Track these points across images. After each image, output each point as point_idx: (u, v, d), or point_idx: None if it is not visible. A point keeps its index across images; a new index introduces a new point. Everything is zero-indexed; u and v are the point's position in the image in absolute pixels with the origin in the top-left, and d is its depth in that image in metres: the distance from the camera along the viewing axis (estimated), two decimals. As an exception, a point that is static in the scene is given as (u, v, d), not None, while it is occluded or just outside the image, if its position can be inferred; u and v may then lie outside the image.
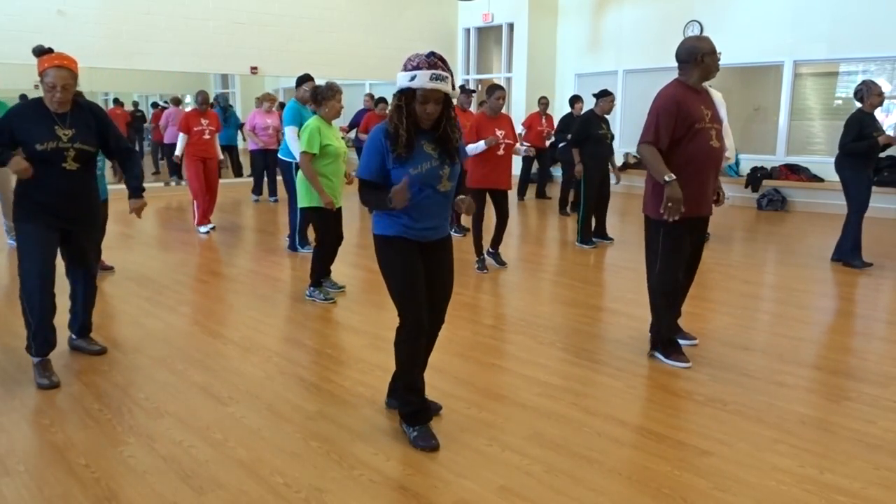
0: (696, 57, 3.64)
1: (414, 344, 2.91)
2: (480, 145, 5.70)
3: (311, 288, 5.15)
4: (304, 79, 6.62)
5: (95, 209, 3.76)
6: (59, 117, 3.44)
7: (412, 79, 2.65)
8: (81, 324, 3.97)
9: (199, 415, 3.18)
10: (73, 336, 4.01)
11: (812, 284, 5.77)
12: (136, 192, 3.75)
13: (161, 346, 4.10)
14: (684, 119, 3.59)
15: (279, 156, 6.80)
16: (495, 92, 5.87)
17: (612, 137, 7.31)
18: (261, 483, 2.60)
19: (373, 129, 2.83)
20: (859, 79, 9.96)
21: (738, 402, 3.36)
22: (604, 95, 7.19)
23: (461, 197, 2.92)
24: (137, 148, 13.98)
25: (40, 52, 3.40)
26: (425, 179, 2.77)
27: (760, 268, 6.59)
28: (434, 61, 2.67)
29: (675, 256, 3.75)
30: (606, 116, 7.28)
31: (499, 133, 5.84)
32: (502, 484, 2.60)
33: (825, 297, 5.46)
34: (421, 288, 2.87)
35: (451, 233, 8.00)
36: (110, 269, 5.95)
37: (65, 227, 3.58)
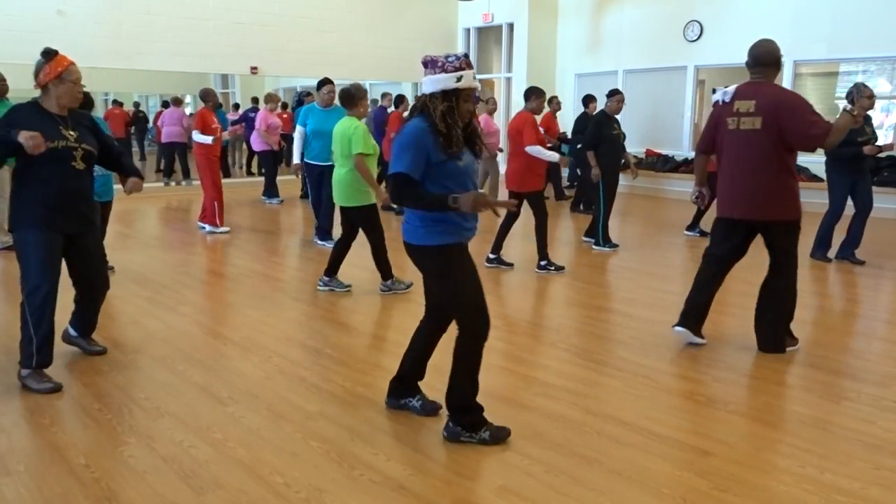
0: (777, 59, 3.82)
1: (483, 350, 2.90)
2: (555, 156, 6.13)
3: (328, 278, 5.26)
4: (325, 82, 6.88)
5: (97, 211, 3.80)
6: (62, 119, 3.44)
7: (459, 79, 2.71)
8: (87, 323, 3.91)
9: (199, 415, 3.18)
10: (74, 332, 3.93)
11: (812, 284, 5.77)
12: (136, 174, 3.78)
13: (161, 347, 4.10)
14: None
15: (307, 160, 7.01)
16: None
17: (624, 137, 7.35)
18: (261, 483, 2.60)
19: (409, 126, 2.80)
20: (860, 79, 9.98)
21: (738, 402, 3.36)
22: (611, 95, 7.20)
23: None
24: (137, 148, 14.00)
25: (54, 53, 3.40)
26: (467, 173, 2.83)
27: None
28: (469, 61, 2.79)
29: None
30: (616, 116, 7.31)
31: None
32: (502, 484, 2.60)
33: (825, 296, 5.46)
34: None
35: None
36: (110, 269, 5.94)
37: (70, 231, 3.50)
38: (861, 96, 6.03)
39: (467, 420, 2.90)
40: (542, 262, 6.08)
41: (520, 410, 3.23)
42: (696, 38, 11.22)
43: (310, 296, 5.29)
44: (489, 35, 14.64)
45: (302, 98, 10.46)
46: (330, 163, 5.81)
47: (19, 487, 2.57)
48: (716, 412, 3.24)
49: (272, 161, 10.41)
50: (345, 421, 3.12)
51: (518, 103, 13.20)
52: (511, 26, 13.66)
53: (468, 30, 14.50)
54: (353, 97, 5.15)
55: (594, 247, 7.15)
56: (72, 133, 3.43)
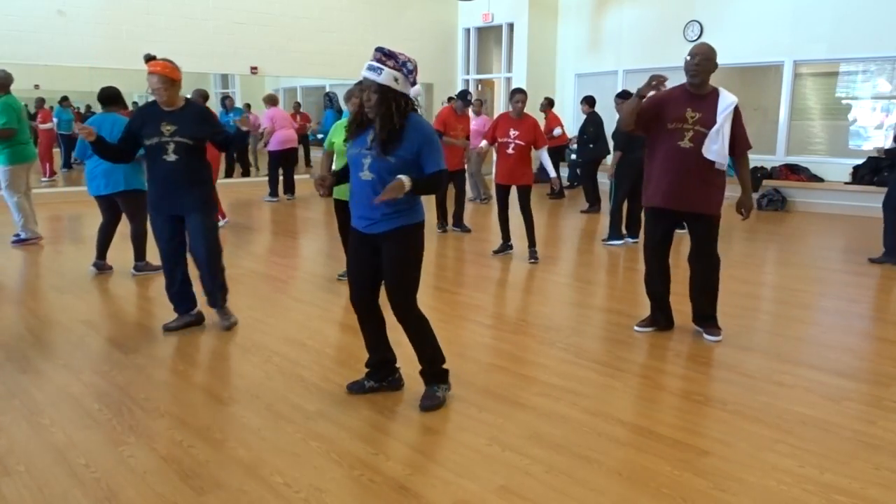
0: None
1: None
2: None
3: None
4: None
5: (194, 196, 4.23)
6: (167, 115, 4.00)
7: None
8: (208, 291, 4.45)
9: (199, 415, 3.18)
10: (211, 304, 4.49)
11: (812, 284, 5.77)
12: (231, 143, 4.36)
13: (161, 346, 4.10)
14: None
15: None
16: (514, 95, 6.45)
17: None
18: (261, 483, 2.60)
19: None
20: (859, 79, 9.98)
21: (738, 402, 3.36)
22: (628, 96, 7.35)
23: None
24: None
25: (148, 59, 3.94)
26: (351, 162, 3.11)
27: (760, 268, 6.59)
28: (376, 54, 2.93)
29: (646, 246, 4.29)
30: None
31: (512, 133, 6.33)
32: (502, 484, 2.60)
33: (825, 296, 5.46)
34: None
35: (452, 229, 8.05)
36: (109, 268, 5.95)
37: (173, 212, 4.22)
38: None
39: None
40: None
41: (519, 410, 3.24)
42: (696, 38, 11.21)
43: (310, 296, 5.29)
44: (489, 35, 14.64)
45: (332, 99, 10.48)
46: None
47: (19, 487, 2.57)
48: (715, 412, 3.24)
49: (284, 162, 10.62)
50: (345, 421, 3.12)
51: (518, 103, 13.24)
52: (511, 26, 13.65)
53: (468, 30, 14.50)
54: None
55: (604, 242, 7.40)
56: (169, 128, 3.96)
